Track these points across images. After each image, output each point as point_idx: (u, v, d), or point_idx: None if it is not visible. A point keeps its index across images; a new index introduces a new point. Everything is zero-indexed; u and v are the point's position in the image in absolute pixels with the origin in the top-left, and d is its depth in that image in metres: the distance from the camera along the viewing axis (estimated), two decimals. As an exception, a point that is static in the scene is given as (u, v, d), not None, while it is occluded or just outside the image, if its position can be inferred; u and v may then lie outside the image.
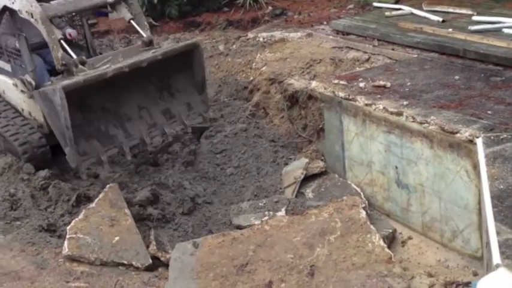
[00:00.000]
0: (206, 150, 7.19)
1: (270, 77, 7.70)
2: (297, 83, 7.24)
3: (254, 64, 8.35)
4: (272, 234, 5.28)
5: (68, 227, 5.44)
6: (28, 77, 6.39)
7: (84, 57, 6.16)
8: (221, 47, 9.41)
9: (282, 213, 5.79)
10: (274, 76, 7.65)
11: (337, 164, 6.37)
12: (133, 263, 5.05)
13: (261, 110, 7.75)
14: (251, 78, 8.21)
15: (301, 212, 5.63)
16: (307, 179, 6.35)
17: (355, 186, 6.04)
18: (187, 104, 6.72)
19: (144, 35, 6.65)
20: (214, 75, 8.90)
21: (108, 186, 5.81)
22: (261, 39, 9.09)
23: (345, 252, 4.91)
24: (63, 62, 6.02)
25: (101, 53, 7.64)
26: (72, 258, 5.21)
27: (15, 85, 6.67)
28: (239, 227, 5.73)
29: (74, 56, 6.08)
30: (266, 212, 5.88)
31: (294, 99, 7.20)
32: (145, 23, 6.81)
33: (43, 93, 5.89)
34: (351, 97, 5.96)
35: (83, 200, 6.11)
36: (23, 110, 6.90)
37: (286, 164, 6.69)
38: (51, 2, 6.39)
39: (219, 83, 8.74)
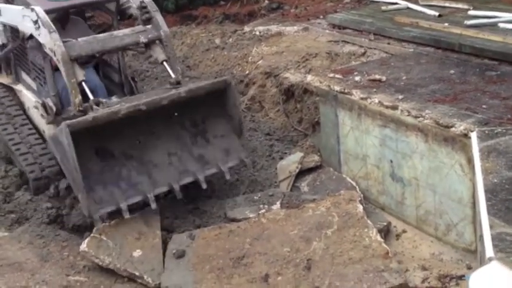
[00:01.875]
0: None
1: (266, 71, 7.72)
2: (292, 76, 7.25)
3: (250, 58, 8.36)
4: (269, 227, 5.30)
5: (95, 228, 5.42)
6: (50, 101, 6.06)
7: (101, 99, 5.72)
8: (217, 41, 9.42)
9: (277, 206, 5.80)
10: (270, 70, 7.66)
11: (332, 157, 6.40)
12: (145, 277, 4.92)
13: (256, 104, 7.76)
14: (247, 71, 8.22)
15: (297, 205, 5.65)
16: (302, 172, 6.36)
17: (350, 180, 6.07)
18: (225, 150, 6.13)
19: (173, 75, 6.06)
20: (211, 68, 8.91)
21: (149, 207, 5.60)
22: (257, 33, 9.10)
23: (342, 246, 4.93)
24: (81, 109, 5.62)
25: (135, 80, 7.27)
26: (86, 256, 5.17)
27: (37, 108, 6.38)
28: (234, 220, 5.73)
29: (91, 97, 5.67)
30: (261, 206, 5.88)
31: (289, 93, 7.22)
32: (178, 67, 6.25)
33: (53, 138, 5.46)
34: (346, 91, 5.98)
35: None
36: (44, 131, 6.58)
37: (281, 158, 6.70)
38: (79, 39, 5.91)
39: (215, 76, 8.73)
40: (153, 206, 5.51)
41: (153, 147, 5.81)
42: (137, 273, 4.94)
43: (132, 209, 5.50)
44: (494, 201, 3.86)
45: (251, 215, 5.69)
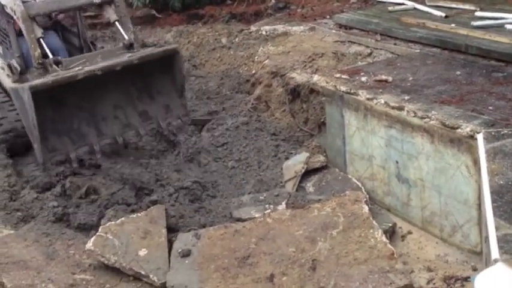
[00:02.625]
0: (207, 143, 7.21)
1: (272, 71, 7.72)
2: (299, 76, 7.26)
3: (256, 57, 8.37)
4: (274, 227, 5.30)
5: (101, 226, 5.45)
6: (14, 62, 6.55)
7: (59, 58, 6.31)
8: (224, 40, 9.43)
9: (282, 206, 5.81)
10: (276, 69, 7.67)
11: (338, 158, 6.40)
12: (151, 276, 4.91)
13: (262, 104, 7.77)
14: (253, 71, 8.23)
15: (302, 205, 5.65)
16: (308, 173, 6.37)
17: (355, 181, 6.07)
18: (166, 106, 6.83)
19: (127, 37, 6.67)
20: (217, 68, 8.93)
21: (155, 206, 5.77)
22: (264, 33, 9.10)
23: (347, 247, 4.93)
24: (40, 61, 6.22)
25: (94, 44, 7.77)
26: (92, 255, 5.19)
27: (3, 69, 6.84)
28: (239, 220, 5.75)
29: (50, 56, 6.24)
30: (267, 206, 5.90)
31: (295, 93, 7.23)
32: (130, 25, 6.86)
33: (15, 91, 6.10)
34: (352, 91, 5.98)
35: (92, 192, 6.17)
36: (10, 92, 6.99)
37: (287, 158, 6.71)
38: (37, 0, 6.53)
39: (221, 75, 8.77)
40: (98, 155, 6.34)
41: (102, 100, 6.42)
42: (143, 272, 4.94)
43: (81, 159, 6.33)
44: (500, 203, 3.86)
45: (257, 215, 5.70)
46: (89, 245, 5.17)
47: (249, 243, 5.14)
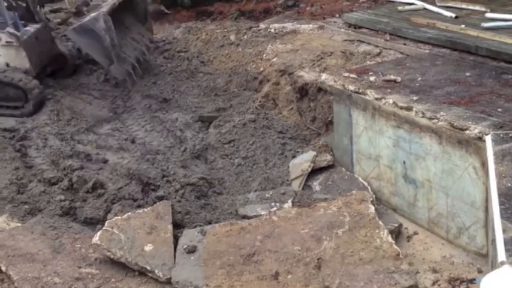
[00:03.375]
0: (214, 140, 7.21)
1: (280, 69, 7.71)
2: (307, 75, 7.25)
3: (265, 55, 8.37)
4: (280, 225, 5.30)
5: (107, 221, 5.48)
6: (10, 29, 7.51)
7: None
8: (232, 37, 9.42)
9: (288, 204, 5.82)
10: (285, 67, 7.66)
11: (344, 157, 6.39)
12: (156, 271, 4.93)
13: (270, 101, 7.76)
14: (261, 69, 8.23)
15: (308, 204, 5.65)
16: (315, 171, 6.36)
17: (362, 180, 6.06)
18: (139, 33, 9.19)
19: None
20: (225, 65, 8.93)
21: (162, 202, 5.80)
22: (273, 30, 9.10)
23: (353, 246, 4.93)
24: (78, 4, 7.82)
25: None
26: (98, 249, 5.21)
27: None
28: (245, 217, 5.76)
29: None
30: (273, 203, 5.90)
31: (303, 91, 7.21)
32: None
33: (79, 28, 7.60)
34: (360, 91, 5.97)
35: (99, 187, 6.21)
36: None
37: (294, 156, 6.71)
38: None
39: (229, 73, 8.77)
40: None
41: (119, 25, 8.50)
42: (148, 267, 4.96)
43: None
44: (508, 206, 3.85)
45: (262, 213, 5.70)
46: (95, 239, 5.18)
47: (255, 241, 5.14)
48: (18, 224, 5.73)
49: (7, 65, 7.85)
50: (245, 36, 9.27)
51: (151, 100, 8.56)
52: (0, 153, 6.79)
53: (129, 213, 5.56)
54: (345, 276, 4.65)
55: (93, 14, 7.62)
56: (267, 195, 6.07)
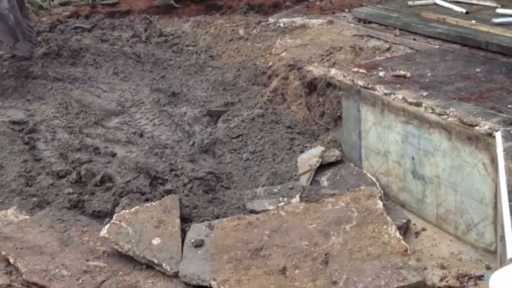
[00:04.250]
0: (223, 135, 7.21)
1: (289, 63, 7.69)
2: (316, 70, 7.23)
3: (274, 49, 8.35)
4: (288, 220, 5.29)
5: (115, 214, 5.49)
6: None
7: None
8: (241, 31, 9.41)
9: (296, 199, 5.80)
10: (294, 62, 7.63)
11: (353, 152, 6.37)
12: (164, 265, 4.93)
13: (279, 96, 7.74)
14: (270, 63, 8.21)
15: (316, 199, 5.64)
16: (323, 167, 6.34)
17: (370, 176, 6.04)
18: None
19: None
20: (234, 59, 8.92)
21: (169, 196, 5.80)
22: (282, 25, 9.07)
23: (360, 242, 4.92)
24: None
25: None
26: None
27: None
28: (253, 212, 5.75)
29: None
30: (280, 198, 5.88)
31: (312, 86, 7.19)
32: None
33: None
34: (370, 86, 5.95)
35: (107, 180, 6.21)
36: None
37: (302, 151, 6.68)
38: None
39: (237, 67, 8.75)
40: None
41: None
42: (156, 261, 4.97)
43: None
44: (517, 202, 3.83)
45: (270, 207, 5.69)
46: (103, 232, 5.19)
47: (262, 236, 5.13)
48: (27, 217, 5.73)
49: None
50: (254, 31, 9.25)
51: (159, 94, 8.55)
52: (9, 145, 6.79)
53: (137, 207, 5.55)
54: (352, 271, 4.64)
55: None
56: (274, 190, 6.06)
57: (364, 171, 6.16)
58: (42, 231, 5.44)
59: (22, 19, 7.62)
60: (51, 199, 6.05)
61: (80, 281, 4.84)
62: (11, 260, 5.06)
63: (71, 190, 6.11)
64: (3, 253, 5.14)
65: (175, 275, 4.88)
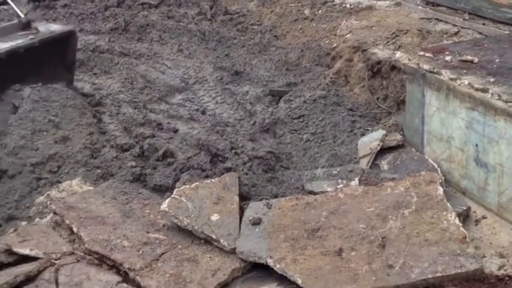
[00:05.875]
0: (284, 115, 7.22)
1: (354, 45, 7.63)
2: (381, 52, 7.16)
3: (339, 31, 8.30)
4: (346, 202, 5.29)
5: (176, 189, 5.56)
6: None
7: None
8: (307, 12, 9.37)
9: (355, 182, 5.77)
10: (358, 44, 7.57)
11: (415, 137, 6.29)
12: (221, 240, 4.96)
13: (341, 78, 7.70)
14: (334, 45, 8.16)
15: (376, 183, 5.60)
16: (383, 151, 6.29)
17: (432, 162, 5.95)
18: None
19: (22, 15, 6.80)
20: (298, 39, 8.90)
21: (229, 173, 5.84)
22: (348, 6, 8.99)
23: (419, 227, 4.87)
24: None
25: None
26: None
27: None
28: (311, 193, 5.75)
29: None
30: (339, 180, 5.87)
31: (376, 69, 7.12)
32: (26, 6, 7.21)
33: None
34: (435, 70, 5.85)
35: (169, 155, 6.34)
36: None
37: (363, 134, 6.65)
38: None
39: (301, 47, 8.73)
40: None
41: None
42: (214, 236, 5.02)
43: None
44: None
45: (329, 189, 5.68)
46: (164, 206, 5.26)
47: (320, 217, 5.14)
48: (91, 188, 5.90)
49: None
50: (320, 11, 9.20)
51: (223, 72, 8.64)
52: (79, 118, 6.97)
53: (197, 183, 5.61)
54: (409, 256, 4.62)
55: None
56: (334, 171, 6.05)
57: (426, 157, 6.08)
58: (105, 202, 5.56)
59: None
60: (114, 171, 6.21)
61: (140, 252, 4.93)
62: (74, 229, 5.20)
63: (133, 164, 6.25)
64: (67, 222, 5.29)
65: (233, 251, 4.93)
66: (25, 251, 4.95)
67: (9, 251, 4.95)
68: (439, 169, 5.82)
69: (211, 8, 10.93)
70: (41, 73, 7.02)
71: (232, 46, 9.39)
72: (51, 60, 7.12)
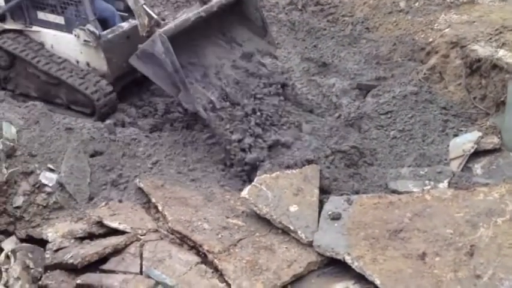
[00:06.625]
0: (371, 110, 6.97)
1: (452, 40, 7.27)
2: (481, 49, 6.76)
3: (436, 25, 7.94)
4: (432, 205, 4.99)
5: (256, 177, 5.55)
6: (91, 27, 6.58)
7: (158, 20, 6.20)
8: (402, 4, 9.02)
9: (444, 185, 5.49)
10: (457, 40, 7.21)
11: (514, 142, 5.89)
12: (299, 232, 4.89)
13: (436, 74, 7.35)
14: (430, 39, 7.81)
15: (467, 187, 5.28)
16: (478, 153, 5.94)
17: (531, 169, 5.56)
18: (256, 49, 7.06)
19: None
20: (391, 32, 8.60)
21: (310, 165, 5.75)
22: (448, -1, 8.60)
23: (512, 238, 4.52)
24: (148, 29, 6.11)
25: None
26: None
27: (77, 36, 6.73)
28: (395, 192, 5.54)
29: (155, 16, 6.17)
30: (427, 181, 5.61)
31: (475, 67, 6.74)
32: None
33: (141, 52, 6.06)
34: (542, 71, 5.44)
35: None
36: (78, 62, 6.95)
37: (456, 134, 6.35)
38: None
39: (394, 41, 8.42)
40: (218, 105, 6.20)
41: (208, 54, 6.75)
42: (291, 227, 4.93)
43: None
44: None
45: (415, 190, 5.46)
46: (244, 193, 5.26)
47: (403, 217, 4.89)
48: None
49: (88, 64, 6.89)
50: (416, 4, 8.83)
51: (310, 63, 8.48)
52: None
53: (278, 173, 5.55)
54: (499, 267, 4.30)
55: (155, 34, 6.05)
56: (421, 172, 5.77)
57: (525, 163, 5.68)
58: (189, 185, 5.69)
59: (178, 65, 5.91)
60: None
61: (219, 235, 4.96)
62: (160, 208, 5.33)
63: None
64: (153, 200, 5.44)
65: (310, 244, 4.81)
66: (114, 224, 5.20)
67: (100, 223, 5.25)
68: (539, 177, 5.42)
69: (303, -2, 10.78)
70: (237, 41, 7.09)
71: (322, 37, 9.20)
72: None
